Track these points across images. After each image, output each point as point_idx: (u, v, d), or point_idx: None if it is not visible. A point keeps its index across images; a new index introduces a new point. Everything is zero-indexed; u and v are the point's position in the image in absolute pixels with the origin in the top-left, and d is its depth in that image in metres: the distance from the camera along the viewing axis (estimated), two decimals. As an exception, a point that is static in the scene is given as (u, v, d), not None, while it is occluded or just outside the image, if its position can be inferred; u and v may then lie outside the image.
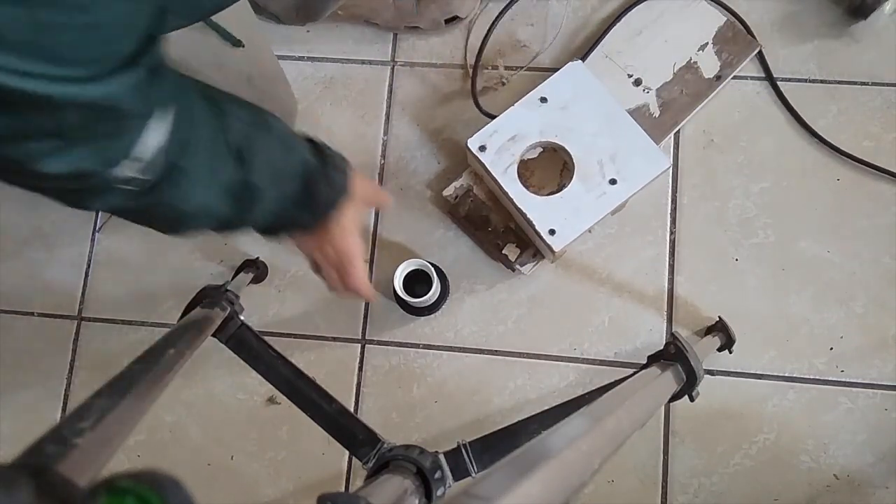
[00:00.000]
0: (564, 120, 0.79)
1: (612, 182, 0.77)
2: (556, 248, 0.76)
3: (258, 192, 0.52)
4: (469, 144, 0.79)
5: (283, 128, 0.56)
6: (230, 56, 0.69)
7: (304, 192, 0.58)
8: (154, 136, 0.42)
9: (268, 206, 0.54)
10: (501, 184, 0.78)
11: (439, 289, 0.84)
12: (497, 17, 0.93)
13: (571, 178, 0.78)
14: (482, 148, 0.79)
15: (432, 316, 0.88)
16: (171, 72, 0.44)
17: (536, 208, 0.77)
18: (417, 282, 0.83)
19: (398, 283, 0.82)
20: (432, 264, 0.83)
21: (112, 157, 0.41)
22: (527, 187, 0.78)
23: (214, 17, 0.65)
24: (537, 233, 0.77)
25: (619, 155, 0.78)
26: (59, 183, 0.42)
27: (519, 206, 0.77)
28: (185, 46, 0.45)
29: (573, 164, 0.78)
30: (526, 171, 0.84)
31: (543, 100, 0.79)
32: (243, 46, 0.66)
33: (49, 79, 0.34)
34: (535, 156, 0.84)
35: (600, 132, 0.78)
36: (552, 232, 0.76)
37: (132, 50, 0.38)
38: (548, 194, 0.78)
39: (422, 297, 0.82)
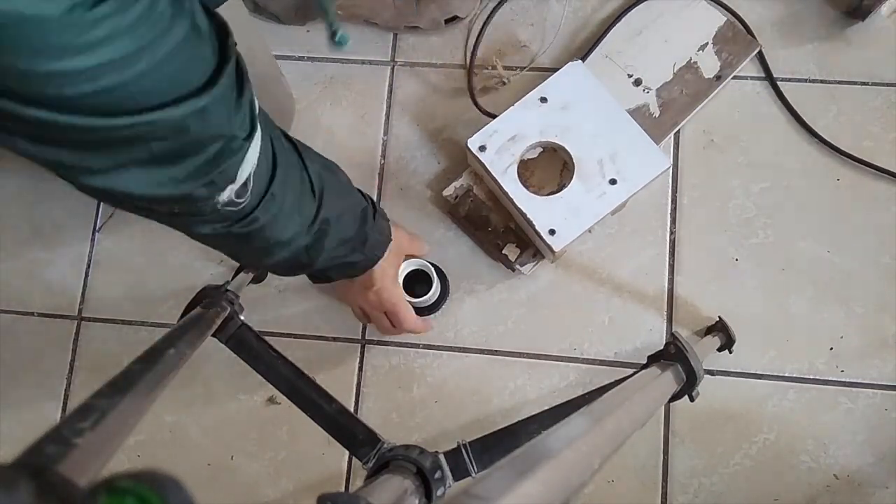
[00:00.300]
0: (564, 120, 0.78)
1: (612, 182, 0.77)
2: (557, 248, 0.76)
3: (328, 228, 0.57)
4: (469, 144, 0.79)
5: (343, 174, 0.62)
6: None
7: (359, 234, 0.63)
8: (250, 159, 0.44)
9: (332, 243, 0.59)
10: (501, 184, 0.78)
11: (439, 289, 0.84)
12: (490, 14, 0.93)
13: (571, 178, 0.78)
14: (482, 148, 0.79)
15: (432, 316, 0.88)
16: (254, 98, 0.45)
17: (536, 208, 0.77)
18: (417, 282, 0.83)
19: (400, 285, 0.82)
20: (432, 264, 0.83)
21: (217, 180, 0.43)
22: (527, 187, 0.78)
23: None
24: (537, 233, 0.77)
25: (619, 155, 0.77)
26: (167, 207, 0.43)
27: (519, 206, 0.77)
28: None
29: (573, 164, 0.78)
30: (526, 171, 0.84)
31: (543, 100, 0.79)
32: (235, 44, 0.66)
33: (135, 113, 0.35)
34: (535, 156, 0.84)
35: (600, 132, 0.78)
36: (552, 232, 0.76)
37: (207, 72, 0.39)
38: (548, 194, 0.78)
39: (422, 297, 0.82)
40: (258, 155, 0.44)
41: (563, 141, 0.78)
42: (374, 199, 0.91)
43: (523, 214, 0.77)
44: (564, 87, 0.79)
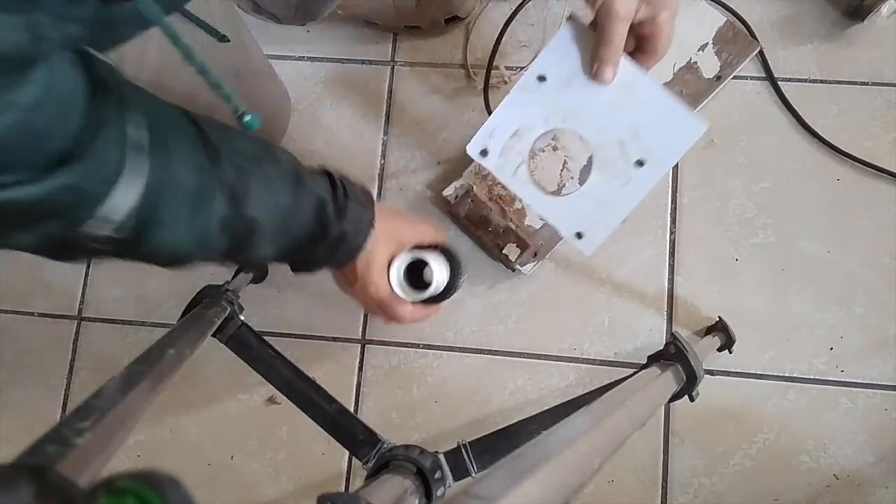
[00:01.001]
0: (570, 99, 0.64)
1: (640, 164, 0.64)
2: (588, 252, 0.66)
3: (257, 226, 0.52)
4: (469, 151, 0.69)
5: (289, 162, 0.56)
6: (216, 51, 0.68)
7: (319, 227, 0.57)
8: (124, 199, 0.42)
9: (274, 239, 0.54)
10: (513, 189, 0.68)
11: (445, 279, 0.74)
12: (510, 17, 0.92)
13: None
14: (483, 153, 0.68)
15: (432, 318, 0.87)
16: (146, 121, 0.43)
17: (557, 211, 0.66)
18: (423, 270, 0.71)
19: (395, 282, 0.71)
20: (442, 248, 0.71)
21: (75, 218, 0.41)
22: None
23: (197, 13, 0.65)
24: (563, 238, 0.69)
25: (642, 129, 0.64)
26: (32, 243, 0.43)
27: (537, 211, 0.68)
28: (170, 44, 0.45)
29: (590, 151, 0.66)
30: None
31: (542, 79, 0.65)
32: (229, 41, 0.66)
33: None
34: (546, 145, 0.78)
35: (615, 105, 0.64)
36: (579, 235, 0.66)
37: (65, 145, 0.37)
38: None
39: (426, 288, 0.72)
40: (134, 191, 0.42)
41: (573, 125, 0.65)
42: (375, 192, 0.89)
43: (544, 220, 0.70)
44: (564, 57, 0.65)
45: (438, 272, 0.71)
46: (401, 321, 0.70)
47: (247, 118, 0.43)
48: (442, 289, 0.73)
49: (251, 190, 0.50)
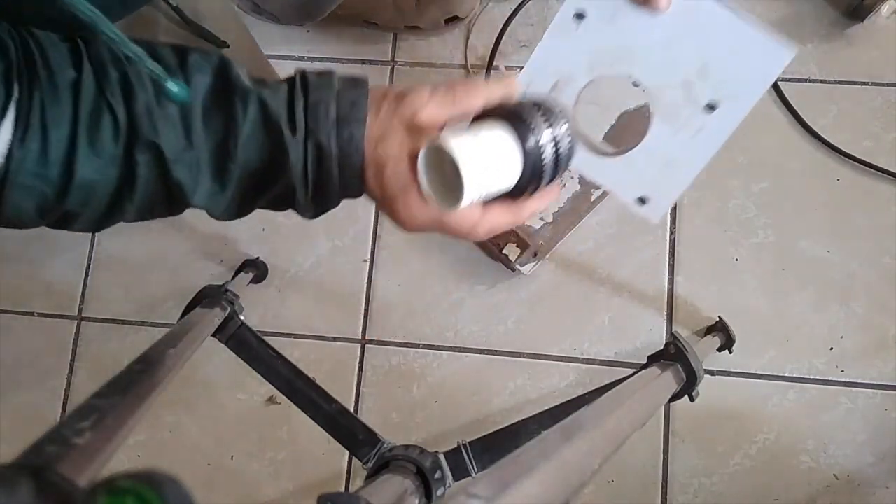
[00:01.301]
0: (618, 36, 0.52)
1: (711, 108, 0.51)
2: (655, 220, 0.54)
3: (164, 153, 0.42)
4: None
5: (214, 68, 0.44)
6: None
7: (272, 143, 0.44)
8: None
9: (212, 170, 0.44)
10: None
11: (517, 148, 0.42)
12: (510, 17, 0.92)
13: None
14: None
15: (435, 313, 0.87)
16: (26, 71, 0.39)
17: (614, 174, 0.53)
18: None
19: (427, 189, 0.43)
20: (496, 109, 0.44)
21: None
22: None
23: (198, 17, 0.64)
24: (623, 204, 0.55)
25: (711, 64, 0.51)
26: None
27: (589, 176, 0.55)
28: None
29: (647, 98, 0.54)
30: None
31: (580, 16, 0.52)
32: (228, 46, 0.66)
33: None
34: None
35: (675, 38, 0.51)
36: (643, 201, 0.53)
37: None
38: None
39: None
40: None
41: (624, 70, 0.53)
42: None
43: (598, 185, 0.60)
44: None
45: (479, 155, 0.42)
46: (473, 237, 0.48)
47: (174, 90, 0.37)
48: (518, 173, 0.44)
49: (141, 109, 0.41)
